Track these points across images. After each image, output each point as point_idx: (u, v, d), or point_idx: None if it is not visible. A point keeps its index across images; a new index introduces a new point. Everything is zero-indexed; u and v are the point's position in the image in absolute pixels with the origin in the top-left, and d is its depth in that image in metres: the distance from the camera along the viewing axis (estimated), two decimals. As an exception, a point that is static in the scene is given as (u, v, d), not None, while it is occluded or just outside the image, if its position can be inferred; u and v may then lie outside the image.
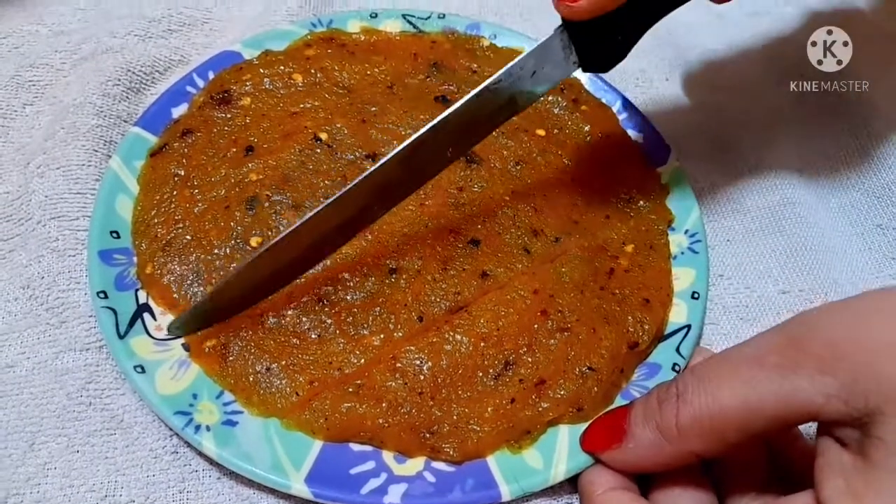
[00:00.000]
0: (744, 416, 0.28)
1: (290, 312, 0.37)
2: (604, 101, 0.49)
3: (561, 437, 0.35)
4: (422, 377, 0.36)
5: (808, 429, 0.35)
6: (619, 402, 0.37)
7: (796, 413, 0.27)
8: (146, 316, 0.37)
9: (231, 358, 0.36)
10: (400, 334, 0.37)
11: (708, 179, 0.49)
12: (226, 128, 0.44)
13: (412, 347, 0.37)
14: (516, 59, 0.35)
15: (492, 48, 0.51)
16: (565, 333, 0.38)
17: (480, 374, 0.36)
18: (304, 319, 0.37)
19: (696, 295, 0.41)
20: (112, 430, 0.35)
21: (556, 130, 0.47)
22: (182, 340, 0.37)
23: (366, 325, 0.37)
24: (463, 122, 0.35)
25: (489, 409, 0.35)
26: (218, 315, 0.37)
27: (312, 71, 0.47)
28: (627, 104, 0.49)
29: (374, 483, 0.33)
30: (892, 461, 0.25)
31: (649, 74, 0.55)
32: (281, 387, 0.35)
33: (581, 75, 0.50)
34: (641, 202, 0.45)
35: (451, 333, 0.37)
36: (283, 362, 0.36)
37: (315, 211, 0.34)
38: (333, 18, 0.51)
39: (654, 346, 0.40)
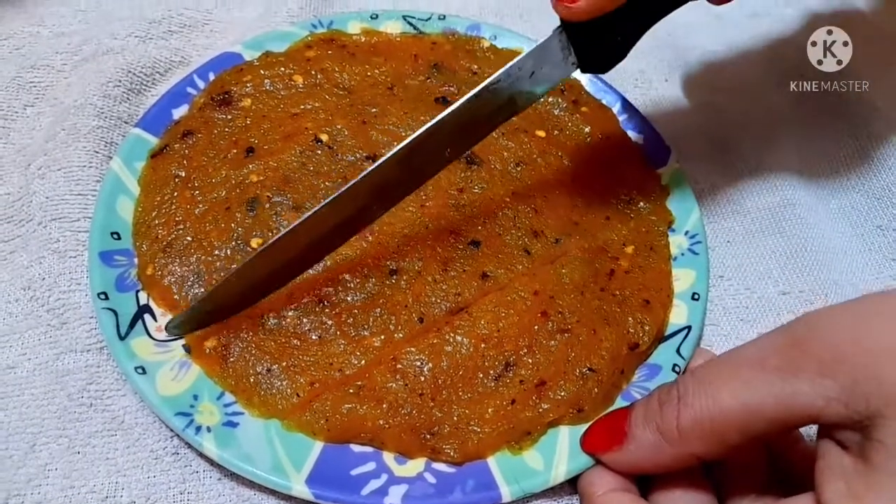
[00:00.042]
0: (744, 419, 0.28)
1: (290, 313, 0.37)
2: (604, 102, 0.50)
3: (561, 438, 0.35)
4: (422, 378, 0.36)
5: (809, 430, 0.35)
6: (619, 403, 0.37)
7: (797, 416, 0.27)
8: (147, 317, 0.37)
9: (232, 359, 0.36)
10: (400, 335, 0.37)
11: (708, 181, 0.49)
12: (226, 129, 0.44)
13: (413, 348, 0.37)
14: (515, 60, 0.35)
15: (492, 49, 0.51)
16: (566, 334, 0.38)
17: (481, 375, 0.36)
18: (304, 320, 0.37)
19: (696, 296, 0.41)
20: (113, 431, 0.35)
21: (556, 132, 0.47)
22: (183, 341, 0.37)
23: (366, 327, 0.37)
24: (461, 122, 0.35)
25: (490, 410, 0.35)
26: (216, 315, 0.37)
27: (313, 72, 0.47)
28: (627, 105, 0.50)
29: (374, 484, 0.33)
30: (893, 464, 0.25)
31: (649, 76, 0.55)
32: (282, 388, 0.35)
33: (581, 76, 0.50)
34: (641, 203, 0.45)
35: (452, 334, 0.37)
36: (284, 363, 0.36)
37: (313, 211, 0.34)
38: (334, 20, 0.51)
39: (655, 347, 0.40)
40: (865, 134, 0.51)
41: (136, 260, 0.39)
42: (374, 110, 0.45)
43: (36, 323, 0.38)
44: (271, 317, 0.37)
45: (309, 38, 0.49)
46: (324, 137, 0.43)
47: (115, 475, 0.34)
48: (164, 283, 0.38)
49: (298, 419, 0.35)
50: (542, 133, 0.46)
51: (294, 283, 0.38)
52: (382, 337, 0.37)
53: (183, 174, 0.42)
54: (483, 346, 0.37)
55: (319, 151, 0.43)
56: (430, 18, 0.52)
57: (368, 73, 0.48)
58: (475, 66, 0.49)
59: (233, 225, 0.40)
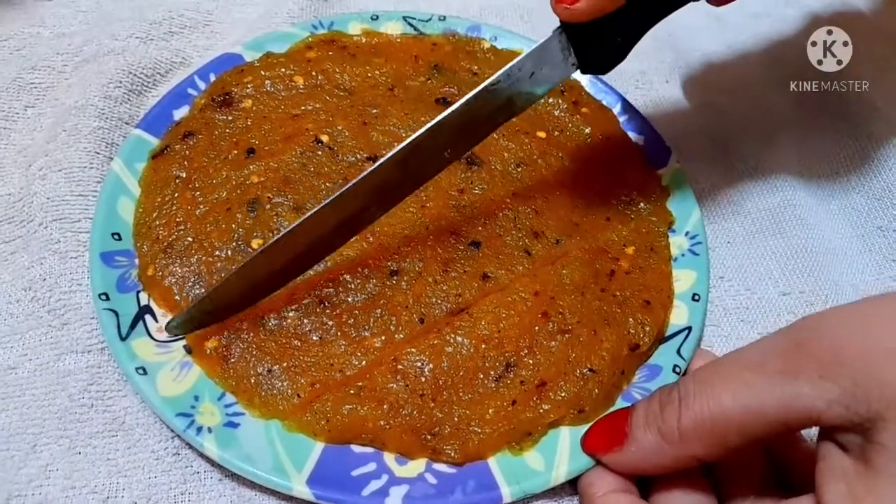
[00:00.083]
0: (745, 421, 0.28)
1: (291, 314, 0.37)
2: (604, 103, 0.50)
3: (562, 438, 0.36)
4: (423, 379, 0.36)
5: (810, 431, 0.35)
6: (620, 403, 0.37)
7: (798, 418, 0.27)
8: (148, 318, 0.37)
9: (232, 360, 0.36)
10: (401, 336, 0.37)
11: (708, 181, 0.49)
12: (227, 130, 0.44)
13: (413, 349, 0.37)
14: (514, 61, 0.35)
15: (492, 50, 0.51)
16: (566, 335, 0.38)
17: (481, 375, 0.36)
18: (305, 321, 0.37)
19: (696, 297, 0.41)
20: (114, 432, 0.35)
21: (556, 132, 0.47)
22: (184, 342, 0.37)
23: (367, 327, 0.37)
24: (461, 123, 0.35)
25: (490, 410, 0.35)
26: (216, 315, 0.36)
27: (313, 73, 0.47)
28: (628, 106, 0.50)
29: (375, 485, 0.33)
30: (894, 467, 0.25)
31: (650, 77, 0.55)
32: (282, 388, 0.35)
33: (582, 77, 0.50)
34: (642, 204, 0.45)
35: (452, 335, 0.37)
36: (285, 364, 0.36)
37: (313, 211, 0.34)
38: (334, 21, 0.51)
39: (655, 347, 0.40)
40: (866, 134, 0.51)
41: (136, 261, 0.39)
42: (374, 111, 0.45)
43: (37, 324, 0.38)
44: (272, 317, 0.37)
45: (309, 39, 0.49)
46: (324, 138, 0.43)
47: (116, 476, 0.34)
48: (165, 283, 0.38)
49: (299, 420, 0.35)
50: (542, 134, 0.46)
51: (295, 284, 0.38)
52: (383, 338, 0.37)
53: (184, 175, 0.42)
54: (484, 346, 0.37)
55: (320, 152, 0.43)
56: (430, 19, 0.52)
57: (369, 74, 0.48)
58: (475, 67, 0.49)
59: (233, 226, 0.40)
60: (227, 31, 0.53)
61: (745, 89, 0.54)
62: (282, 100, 0.45)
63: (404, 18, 0.52)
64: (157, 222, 0.40)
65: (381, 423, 0.35)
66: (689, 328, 0.40)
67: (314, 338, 0.37)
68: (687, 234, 0.44)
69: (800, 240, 0.46)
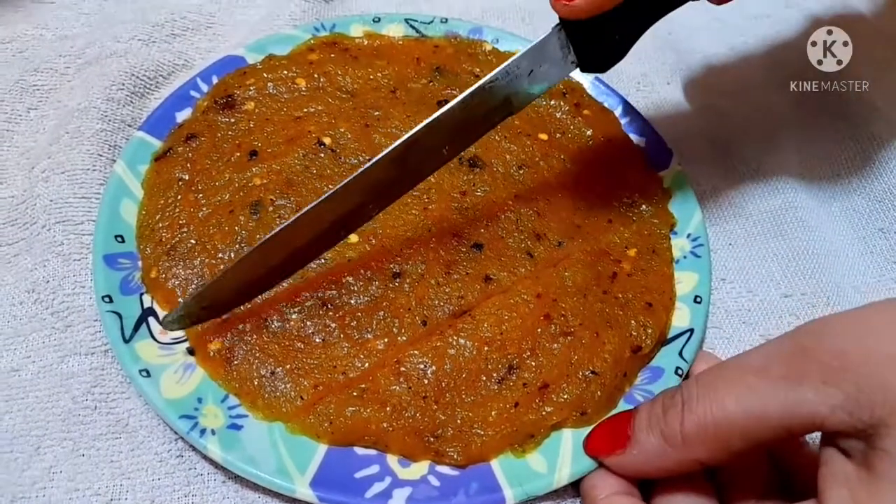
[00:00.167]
0: (748, 425, 0.28)
1: (294, 316, 0.37)
2: (606, 105, 0.50)
3: (564, 441, 0.36)
4: (426, 381, 0.36)
5: (813, 435, 0.35)
6: (622, 405, 0.37)
7: (801, 423, 0.27)
8: (151, 320, 0.37)
9: (236, 362, 0.36)
10: (404, 338, 0.37)
11: (710, 183, 0.49)
12: (230, 132, 0.44)
13: (416, 351, 0.37)
14: (512, 59, 0.35)
15: (494, 52, 0.51)
16: (568, 337, 0.38)
17: (484, 378, 0.36)
18: (308, 323, 0.37)
19: (698, 299, 0.41)
20: (117, 434, 0.35)
21: (558, 134, 0.47)
22: (187, 344, 0.37)
23: (370, 330, 0.37)
24: (459, 120, 0.35)
25: (493, 413, 0.36)
26: (213, 310, 0.36)
27: (316, 75, 0.47)
28: (629, 108, 0.50)
29: (378, 487, 0.33)
30: None
31: (651, 78, 0.55)
32: (285, 391, 0.35)
33: (583, 79, 0.50)
34: (644, 206, 0.45)
35: (455, 337, 0.37)
36: (288, 366, 0.36)
37: (310, 207, 0.34)
38: (336, 23, 0.51)
39: (657, 349, 0.40)
40: (866, 136, 0.51)
41: (140, 263, 0.39)
42: (376, 113, 0.46)
43: (40, 326, 0.38)
44: (275, 319, 0.37)
45: (311, 42, 0.49)
46: (327, 141, 0.44)
47: (120, 478, 0.34)
48: (168, 285, 0.38)
49: (302, 422, 0.35)
50: (544, 136, 0.47)
51: (297, 286, 0.38)
52: (386, 340, 0.37)
53: (186, 177, 0.42)
54: (486, 348, 0.37)
55: (322, 155, 0.43)
56: (432, 22, 0.52)
57: (371, 77, 0.48)
58: (477, 70, 0.50)
59: (236, 228, 0.40)
60: (229, 33, 0.53)
61: (747, 91, 0.54)
62: (284, 102, 0.46)
63: (406, 21, 0.52)
64: (160, 224, 0.40)
65: (384, 425, 0.35)
66: (691, 330, 0.40)
67: (317, 340, 0.37)
68: (689, 236, 0.44)
69: (801, 242, 0.46)
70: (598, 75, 0.50)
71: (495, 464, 0.35)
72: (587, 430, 0.35)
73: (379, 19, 0.51)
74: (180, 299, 0.38)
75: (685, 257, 0.43)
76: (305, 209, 0.34)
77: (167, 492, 0.34)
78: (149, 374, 0.35)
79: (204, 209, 0.41)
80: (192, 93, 0.46)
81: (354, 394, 0.36)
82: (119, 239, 0.39)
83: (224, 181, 0.42)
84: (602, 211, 0.44)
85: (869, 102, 0.52)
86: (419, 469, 0.35)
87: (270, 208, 0.41)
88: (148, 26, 0.51)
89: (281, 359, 0.36)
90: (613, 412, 0.37)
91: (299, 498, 0.33)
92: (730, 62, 0.57)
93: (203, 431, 0.34)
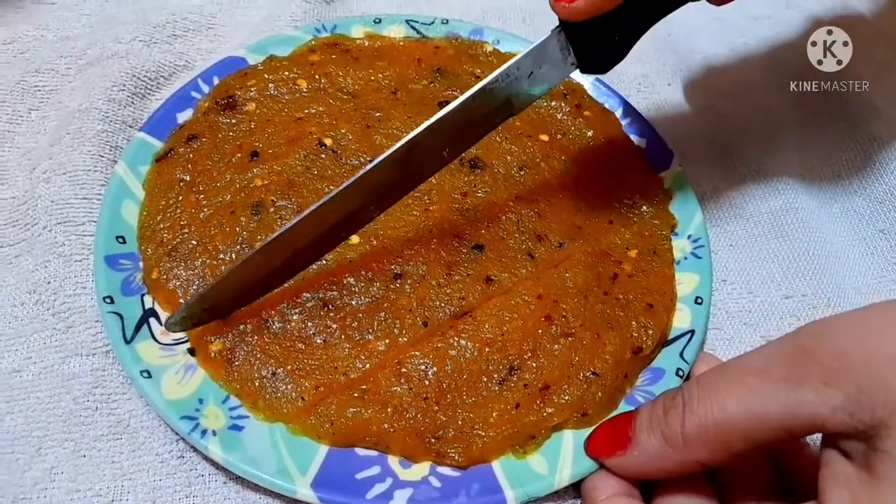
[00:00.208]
0: (749, 426, 0.28)
1: (295, 317, 0.37)
2: (607, 106, 0.50)
3: (565, 442, 0.36)
4: (427, 382, 0.36)
5: (814, 437, 0.35)
6: (623, 407, 0.37)
7: (801, 424, 0.27)
8: (152, 321, 0.37)
9: (237, 363, 0.36)
10: (405, 339, 0.37)
11: (710, 184, 0.49)
12: (231, 133, 0.44)
13: (417, 352, 0.37)
14: (512, 60, 0.35)
15: (495, 53, 0.51)
16: (569, 339, 0.38)
17: (485, 379, 0.36)
18: (309, 324, 0.37)
19: (699, 300, 0.41)
20: (118, 435, 0.35)
21: (559, 136, 0.47)
22: (188, 345, 0.37)
23: (371, 330, 0.37)
24: (460, 122, 0.35)
25: (494, 414, 0.36)
26: (215, 312, 0.36)
27: (317, 76, 0.47)
28: (630, 109, 0.50)
29: (379, 488, 0.33)
30: None
31: (652, 79, 0.55)
32: (286, 392, 0.35)
33: (584, 80, 0.51)
34: (644, 207, 0.45)
35: (456, 338, 0.37)
36: (289, 367, 0.36)
37: (311, 209, 0.34)
38: (337, 24, 0.51)
39: (658, 351, 0.40)
40: (867, 137, 0.51)
41: (141, 264, 0.39)
42: (377, 114, 0.46)
43: (41, 327, 0.38)
44: (276, 320, 0.37)
45: (313, 43, 0.49)
46: (328, 142, 0.44)
47: (121, 479, 0.34)
48: (170, 286, 0.38)
49: (303, 423, 0.35)
50: (545, 137, 0.47)
51: (298, 286, 0.38)
52: (387, 341, 0.37)
53: (188, 178, 0.42)
54: (487, 350, 0.37)
55: (324, 156, 0.43)
56: (433, 23, 0.52)
57: (372, 78, 0.48)
58: (478, 71, 0.50)
59: (237, 229, 0.40)
60: (230, 34, 0.53)
61: (747, 92, 0.54)
62: (285, 103, 0.46)
63: (407, 22, 0.52)
64: (162, 225, 0.40)
65: (385, 426, 0.35)
66: (692, 331, 0.40)
67: (318, 341, 0.37)
68: (689, 237, 0.44)
69: (802, 243, 0.46)
70: (599, 76, 0.50)
71: (496, 465, 0.35)
72: (588, 431, 0.35)
73: (380, 20, 0.51)
74: (181, 300, 0.38)
75: (686, 258, 0.43)
76: (307, 211, 0.34)
77: (168, 493, 0.34)
78: (150, 375, 0.35)
79: (205, 210, 0.41)
80: (194, 94, 0.46)
81: (355, 395, 0.36)
82: (120, 240, 0.39)
83: (225, 182, 0.42)
84: (603, 212, 0.44)
85: (869, 102, 0.52)
86: (420, 470, 0.35)
87: (271, 209, 0.41)
88: (149, 27, 0.51)
89: (282, 360, 0.36)
90: (614, 413, 0.37)
91: (300, 499, 0.33)
92: (730, 63, 0.57)
93: (204, 432, 0.34)
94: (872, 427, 0.26)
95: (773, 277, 0.45)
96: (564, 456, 0.35)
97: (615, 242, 0.43)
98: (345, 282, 0.39)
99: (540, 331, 0.38)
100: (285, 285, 0.38)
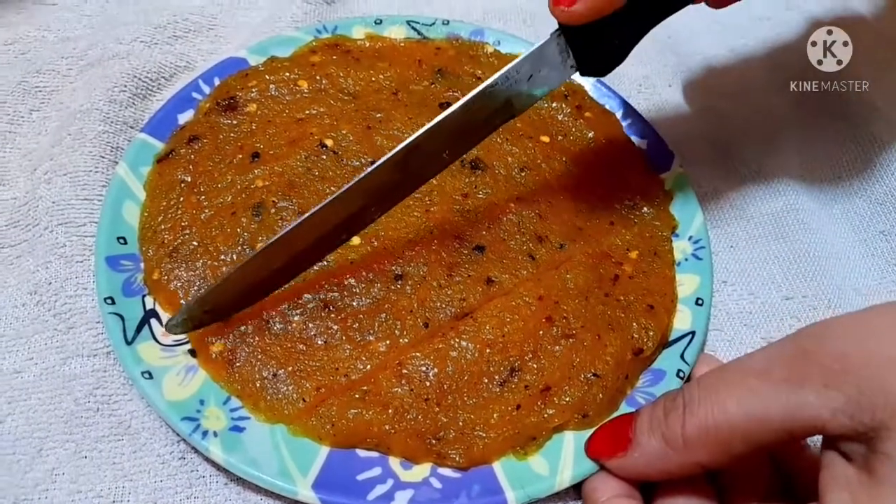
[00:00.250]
0: (749, 428, 0.28)
1: (296, 318, 0.37)
2: (607, 107, 0.50)
3: (566, 443, 0.36)
4: (428, 383, 0.36)
5: (815, 439, 0.36)
6: (624, 408, 0.37)
7: (802, 426, 0.27)
8: (153, 322, 0.37)
9: (238, 364, 0.36)
10: (406, 340, 0.37)
11: (711, 185, 0.49)
12: (232, 134, 0.44)
13: (418, 354, 0.37)
14: (512, 63, 0.35)
15: (495, 54, 0.51)
16: (570, 340, 0.38)
17: (486, 380, 0.37)
18: (310, 325, 0.37)
19: (700, 301, 0.41)
20: (120, 436, 0.35)
21: (560, 137, 0.47)
22: (189, 346, 0.37)
23: (372, 332, 0.37)
24: (460, 124, 0.35)
25: (495, 415, 0.36)
26: (216, 313, 0.36)
27: (318, 77, 0.47)
28: (631, 110, 0.50)
29: (380, 489, 0.33)
30: None
31: (652, 81, 0.55)
32: (287, 393, 0.35)
33: (585, 82, 0.51)
34: (645, 208, 0.45)
35: (457, 340, 0.37)
36: (290, 368, 0.36)
37: (312, 211, 0.34)
38: (338, 25, 0.51)
39: (659, 352, 0.40)
40: (867, 137, 0.51)
41: (142, 265, 0.39)
42: (378, 115, 0.46)
43: (42, 327, 0.38)
44: (277, 321, 0.37)
45: (314, 44, 0.49)
46: (329, 143, 0.44)
47: (122, 480, 0.34)
48: (171, 287, 0.38)
49: (304, 424, 0.35)
50: (546, 138, 0.47)
51: (299, 287, 0.38)
52: (388, 342, 0.37)
53: (189, 179, 0.42)
54: (488, 351, 0.37)
55: (324, 156, 0.43)
56: (434, 24, 0.52)
57: (373, 79, 0.48)
58: (479, 72, 0.50)
59: (238, 230, 0.40)
60: (231, 35, 0.53)
61: (747, 93, 0.54)
62: (286, 104, 0.46)
63: (408, 23, 0.52)
64: (163, 226, 0.40)
65: (386, 427, 0.35)
66: (693, 333, 0.40)
67: (319, 342, 0.37)
68: (690, 238, 0.44)
69: (803, 244, 0.46)
70: (600, 78, 0.50)
71: (497, 466, 0.35)
72: (589, 432, 0.35)
73: (381, 21, 0.52)
74: (182, 301, 0.38)
75: (686, 260, 0.43)
76: (307, 213, 0.34)
77: (169, 494, 0.34)
78: (151, 376, 0.35)
79: (206, 211, 0.41)
80: (194, 94, 0.46)
81: (356, 396, 0.36)
82: (121, 241, 0.39)
83: (226, 183, 0.42)
84: (604, 213, 0.44)
85: (869, 102, 0.52)
86: (421, 471, 0.35)
87: (272, 210, 0.41)
88: (150, 28, 0.51)
89: (283, 361, 0.36)
90: (615, 415, 0.37)
91: (301, 500, 0.33)
92: (731, 64, 0.57)
93: (205, 433, 0.34)
94: (873, 429, 0.26)
95: (774, 279, 0.45)
96: (565, 457, 0.35)
97: (616, 244, 0.43)
98: (346, 283, 0.39)
99: (541, 332, 0.38)
100: (286, 286, 0.38)
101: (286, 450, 0.34)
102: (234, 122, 0.44)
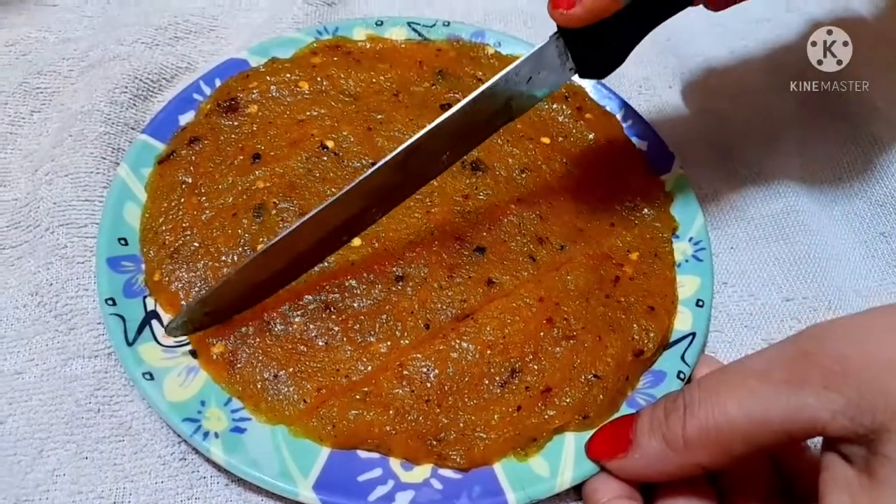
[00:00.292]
0: (750, 430, 0.28)
1: (297, 320, 0.38)
2: (608, 108, 0.50)
3: (567, 444, 0.36)
4: (428, 384, 0.36)
5: (815, 441, 0.36)
6: (624, 409, 0.37)
7: (802, 428, 0.27)
8: (154, 323, 0.37)
9: (239, 365, 0.36)
10: (406, 342, 0.37)
11: (711, 187, 0.49)
12: (233, 135, 0.44)
13: (419, 355, 0.37)
14: (511, 66, 0.35)
15: (496, 56, 0.51)
16: (571, 341, 0.38)
17: (487, 381, 0.37)
18: (311, 327, 0.37)
19: (700, 303, 0.41)
20: (121, 437, 0.35)
21: (560, 138, 0.47)
22: (190, 347, 0.37)
23: (373, 333, 0.37)
24: (458, 127, 0.35)
25: (496, 416, 0.36)
26: (216, 316, 0.37)
27: (318, 79, 0.47)
28: (631, 112, 0.50)
29: (381, 490, 0.34)
30: None
31: (653, 82, 0.55)
32: (288, 394, 0.35)
33: (585, 83, 0.51)
34: (646, 210, 0.45)
35: (458, 341, 0.37)
36: (291, 369, 0.36)
37: (312, 213, 0.35)
38: (339, 26, 0.51)
39: (660, 353, 0.40)
40: (867, 138, 0.51)
41: (143, 266, 0.39)
42: (379, 117, 0.46)
43: (44, 328, 0.38)
44: (278, 323, 0.37)
45: (314, 45, 0.49)
46: (330, 144, 0.44)
47: (123, 480, 0.34)
48: (172, 288, 0.38)
49: (305, 425, 0.35)
50: (546, 140, 0.47)
51: (300, 289, 0.38)
52: (389, 343, 0.37)
53: (190, 180, 0.42)
54: (489, 352, 0.37)
55: (325, 158, 0.43)
56: (434, 25, 0.52)
57: (374, 80, 0.48)
58: (480, 73, 0.50)
59: (240, 231, 0.40)
60: (232, 36, 0.53)
61: (748, 95, 0.54)
62: (287, 105, 0.46)
63: (409, 24, 0.52)
64: (164, 227, 0.40)
65: (387, 428, 0.35)
66: (693, 334, 0.40)
67: (320, 343, 0.37)
68: (691, 239, 0.44)
69: (803, 246, 0.46)
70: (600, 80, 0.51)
71: (498, 467, 0.35)
72: (589, 433, 0.35)
73: (382, 22, 0.52)
74: (183, 302, 0.38)
75: (687, 261, 0.43)
76: (308, 216, 0.35)
77: (170, 494, 0.34)
78: (152, 377, 0.35)
79: (207, 212, 0.41)
80: (195, 96, 0.46)
81: (357, 397, 0.36)
82: (122, 242, 0.39)
83: (227, 184, 0.42)
84: (604, 214, 0.44)
85: (869, 102, 0.52)
86: (422, 472, 0.35)
87: (273, 211, 0.41)
88: (151, 29, 0.51)
89: (284, 362, 0.36)
90: (615, 416, 0.37)
91: (302, 501, 0.33)
92: (731, 66, 0.57)
93: (206, 434, 0.34)
94: (873, 431, 0.26)
95: (774, 280, 0.45)
96: (566, 458, 0.35)
97: (616, 245, 0.43)
98: (346, 284, 0.39)
99: (541, 333, 0.38)
100: (287, 288, 0.38)
101: (287, 451, 0.34)
102: (235, 123, 0.44)
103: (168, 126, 0.44)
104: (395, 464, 0.35)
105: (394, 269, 0.39)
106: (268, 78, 0.47)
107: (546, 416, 0.36)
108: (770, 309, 0.44)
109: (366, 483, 0.34)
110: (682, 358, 0.39)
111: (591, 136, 0.47)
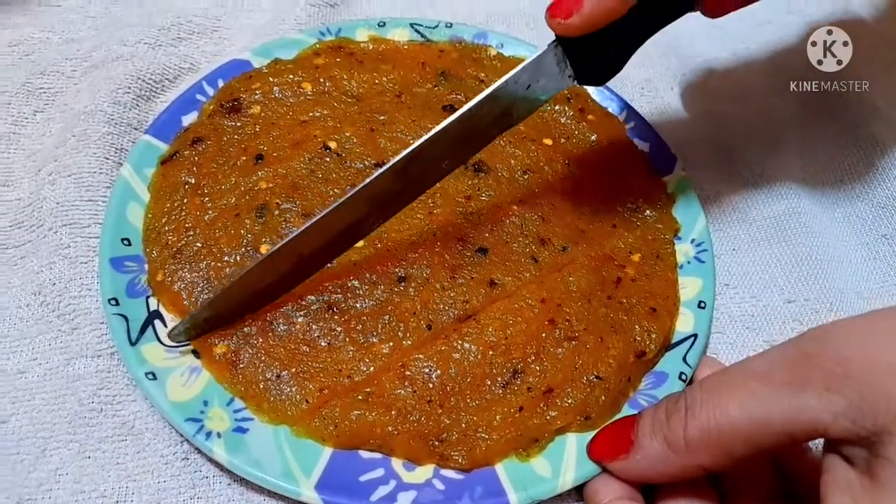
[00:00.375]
0: (751, 431, 0.28)
1: (300, 320, 0.38)
2: (610, 110, 0.50)
3: (569, 445, 0.36)
4: (430, 385, 0.36)
5: (816, 443, 0.36)
6: (626, 410, 0.37)
7: (804, 430, 0.27)
8: (157, 323, 0.37)
9: (241, 365, 0.36)
10: (409, 342, 0.37)
11: (713, 189, 0.49)
12: (236, 136, 0.44)
13: (421, 355, 0.37)
14: (510, 73, 0.35)
15: (499, 57, 0.51)
16: (573, 342, 0.38)
17: (489, 382, 0.37)
18: (313, 327, 0.37)
19: (702, 304, 0.41)
20: (123, 436, 0.35)
21: (563, 140, 0.47)
22: (192, 347, 0.37)
23: (375, 333, 0.38)
24: (459, 133, 0.36)
25: (497, 417, 0.36)
26: (218, 321, 0.37)
27: (321, 80, 0.47)
28: (634, 113, 0.50)
29: (383, 490, 0.34)
30: None
31: (655, 84, 0.55)
32: (291, 394, 0.36)
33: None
34: (648, 211, 0.45)
35: (460, 342, 0.37)
36: (294, 370, 0.36)
37: (314, 220, 0.35)
38: (342, 27, 0.51)
39: (661, 354, 0.40)
40: (868, 140, 0.51)
41: (146, 266, 0.39)
42: (382, 118, 0.46)
43: (47, 328, 0.38)
44: (281, 323, 0.37)
45: (317, 46, 0.49)
46: (332, 145, 0.44)
47: (126, 480, 0.34)
48: (174, 288, 0.38)
49: (307, 425, 0.35)
50: (549, 141, 0.47)
51: (303, 290, 0.38)
52: (391, 344, 0.37)
53: (193, 181, 0.42)
54: (491, 353, 0.37)
55: (328, 159, 0.43)
56: (437, 26, 0.52)
57: (376, 81, 0.48)
58: (482, 74, 0.50)
59: (242, 231, 0.40)
60: (235, 37, 0.53)
61: (749, 97, 0.54)
62: (290, 106, 0.46)
63: (411, 25, 0.52)
64: (167, 228, 0.40)
65: (389, 428, 0.35)
66: (695, 335, 0.40)
67: (322, 343, 0.37)
68: (693, 241, 0.44)
69: (805, 247, 0.46)
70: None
71: (500, 468, 0.35)
72: (591, 434, 0.35)
73: (384, 24, 0.52)
74: (186, 302, 0.38)
75: (689, 262, 0.43)
76: (310, 222, 0.35)
77: (173, 494, 0.34)
78: (155, 377, 0.35)
79: (210, 213, 0.41)
80: (199, 96, 0.46)
81: (360, 397, 0.36)
82: (125, 242, 0.39)
83: (230, 185, 0.42)
84: (606, 216, 0.44)
85: (869, 102, 0.52)
86: (424, 473, 0.35)
87: (276, 212, 0.41)
88: (154, 30, 0.51)
89: (286, 362, 0.36)
90: (617, 417, 0.37)
91: (304, 501, 0.33)
92: (732, 67, 0.57)
93: (209, 434, 0.34)
94: (875, 433, 0.26)
95: (776, 282, 0.45)
96: (567, 459, 0.35)
97: (618, 246, 0.43)
98: (349, 285, 0.39)
99: (543, 334, 0.38)
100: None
101: (289, 451, 0.34)
102: (238, 124, 0.45)
103: (171, 126, 0.44)
104: (397, 464, 0.35)
105: (396, 269, 0.40)
106: (271, 79, 0.47)
107: (548, 417, 0.36)
108: (772, 311, 0.44)
109: (368, 483, 0.34)
110: (684, 359, 0.39)
111: (593, 138, 0.48)
